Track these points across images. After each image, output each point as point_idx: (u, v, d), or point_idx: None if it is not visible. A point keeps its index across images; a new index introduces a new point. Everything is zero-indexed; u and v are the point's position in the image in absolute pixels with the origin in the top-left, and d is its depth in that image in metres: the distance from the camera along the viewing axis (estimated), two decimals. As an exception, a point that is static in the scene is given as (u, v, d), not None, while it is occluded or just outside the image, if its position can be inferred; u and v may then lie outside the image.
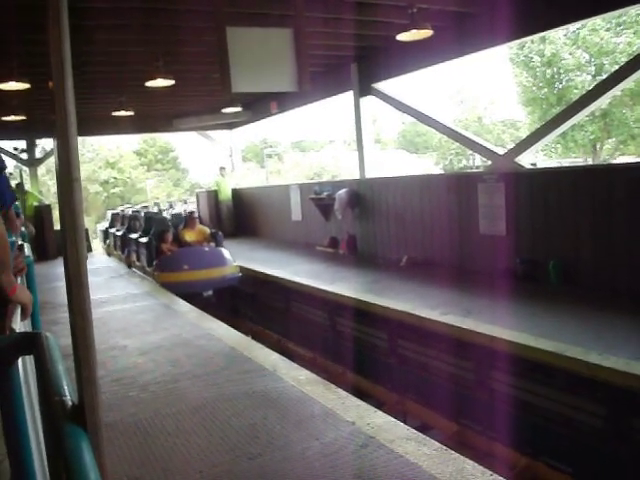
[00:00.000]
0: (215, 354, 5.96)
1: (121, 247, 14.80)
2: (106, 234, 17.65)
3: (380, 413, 4.16)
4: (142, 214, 14.10)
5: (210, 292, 10.60)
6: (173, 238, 11.55)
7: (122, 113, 13.52)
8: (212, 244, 11.49)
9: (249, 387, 4.88)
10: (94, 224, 30.89)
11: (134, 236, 13.34)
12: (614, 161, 30.84)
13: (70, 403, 1.17)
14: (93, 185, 43.46)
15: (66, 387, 1.23)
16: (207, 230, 12.02)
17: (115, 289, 10.38)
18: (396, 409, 6.55)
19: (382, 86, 11.36)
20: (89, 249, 16.99)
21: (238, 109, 14.83)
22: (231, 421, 4.18)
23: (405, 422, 4.18)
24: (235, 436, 3.90)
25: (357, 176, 12.12)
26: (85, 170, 42.57)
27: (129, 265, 13.71)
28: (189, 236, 11.54)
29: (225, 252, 11.11)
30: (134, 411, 4.51)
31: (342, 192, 11.80)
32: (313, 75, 11.54)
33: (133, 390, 5.00)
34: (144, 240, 12.15)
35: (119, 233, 15.25)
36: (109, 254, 16.81)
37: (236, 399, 4.63)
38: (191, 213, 12.17)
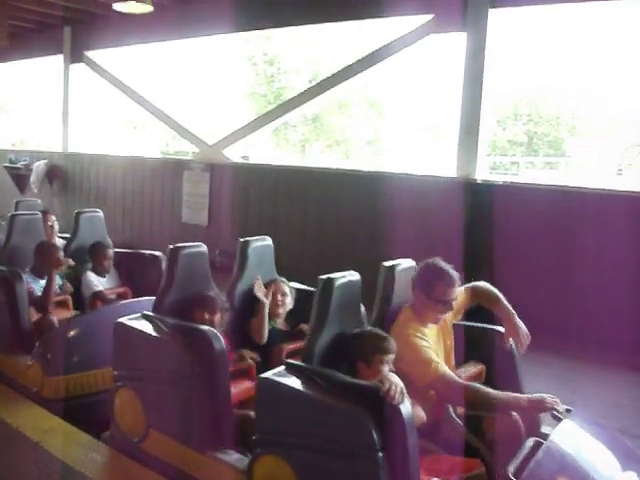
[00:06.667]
0: None
1: None
2: None
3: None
4: None
5: None
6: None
7: None
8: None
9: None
10: None
11: None
12: (320, 162, 33.19)
13: None
14: None
15: None
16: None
17: None
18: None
19: (95, 55, 10.68)
20: None
21: None
22: None
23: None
24: None
25: (60, 148, 11.26)
26: None
27: None
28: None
29: None
30: None
31: (40, 164, 10.91)
32: (22, 31, 10.47)
33: None
34: None
35: None
36: None
37: None
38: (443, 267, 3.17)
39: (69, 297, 4.79)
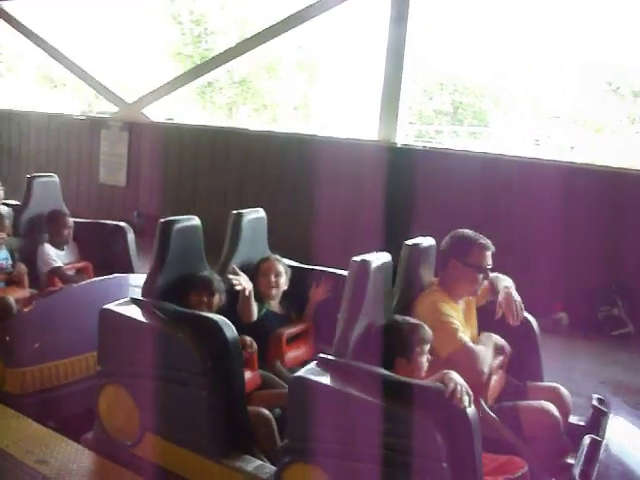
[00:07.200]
0: None
1: None
2: None
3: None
4: None
5: None
6: None
7: None
8: None
9: None
10: None
11: None
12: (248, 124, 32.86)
13: None
14: None
15: None
16: None
17: None
18: None
19: (10, 7, 10.11)
20: None
21: None
22: None
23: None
24: None
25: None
26: None
27: None
28: None
29: None
30: None
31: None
32: None
33: None
34: None
35: None
36: None
37: None
38: None
39: (24, 273, 4.20)
